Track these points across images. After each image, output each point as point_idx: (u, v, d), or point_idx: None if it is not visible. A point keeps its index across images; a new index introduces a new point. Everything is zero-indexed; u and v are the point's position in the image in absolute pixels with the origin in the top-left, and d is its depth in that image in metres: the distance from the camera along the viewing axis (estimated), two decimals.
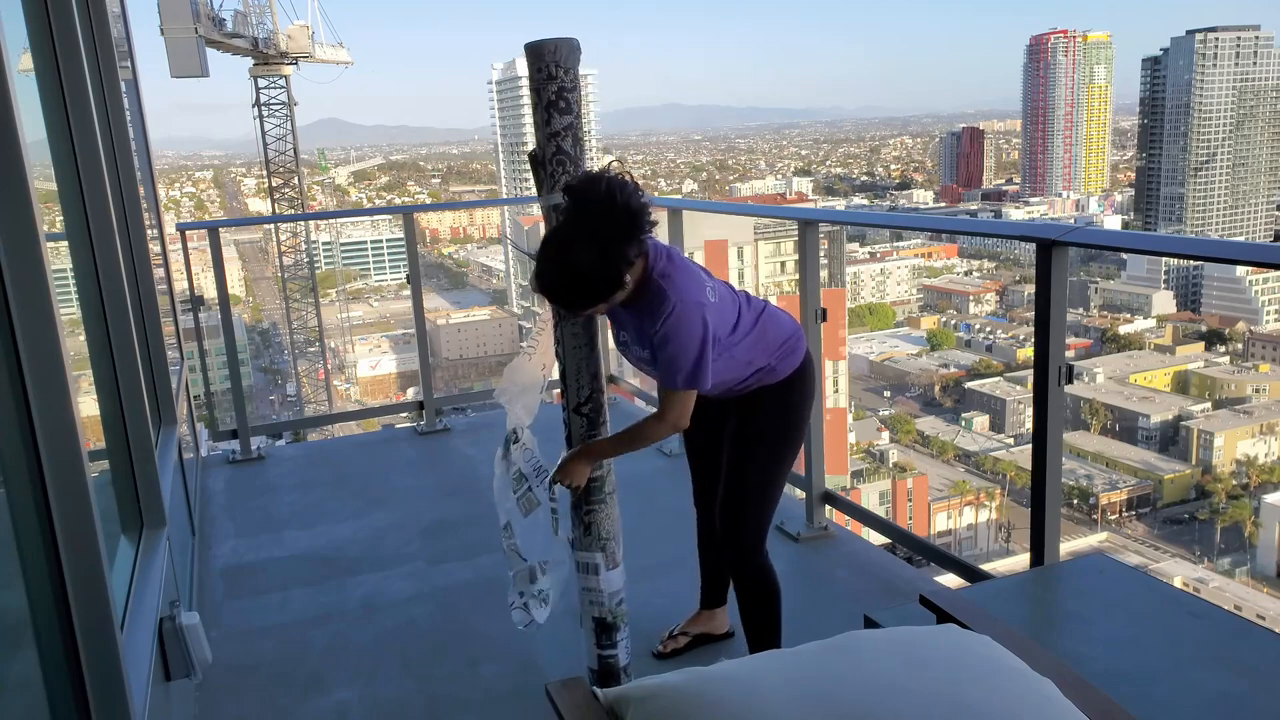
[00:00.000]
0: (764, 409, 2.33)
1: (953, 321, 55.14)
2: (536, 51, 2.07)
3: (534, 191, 2.24)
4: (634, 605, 3.04)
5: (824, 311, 3.41)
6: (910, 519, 33.92)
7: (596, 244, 1.96)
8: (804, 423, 2.39)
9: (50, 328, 1.44)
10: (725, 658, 1.42)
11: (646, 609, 3.06)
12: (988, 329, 52.31)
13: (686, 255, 2.26)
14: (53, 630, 1.46)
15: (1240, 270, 48.17)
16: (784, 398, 2.33)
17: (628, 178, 1.99)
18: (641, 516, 3.80)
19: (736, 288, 2.30)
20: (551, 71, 2.06)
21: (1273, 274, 46.35)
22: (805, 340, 2.37)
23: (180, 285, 4.75)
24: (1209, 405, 39.98)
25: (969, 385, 45.40)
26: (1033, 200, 78.96)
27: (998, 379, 45.06)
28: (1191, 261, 41.48)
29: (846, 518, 3.83)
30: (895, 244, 63.85)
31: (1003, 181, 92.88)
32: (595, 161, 2.20)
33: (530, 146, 2.23)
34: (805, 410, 2.38)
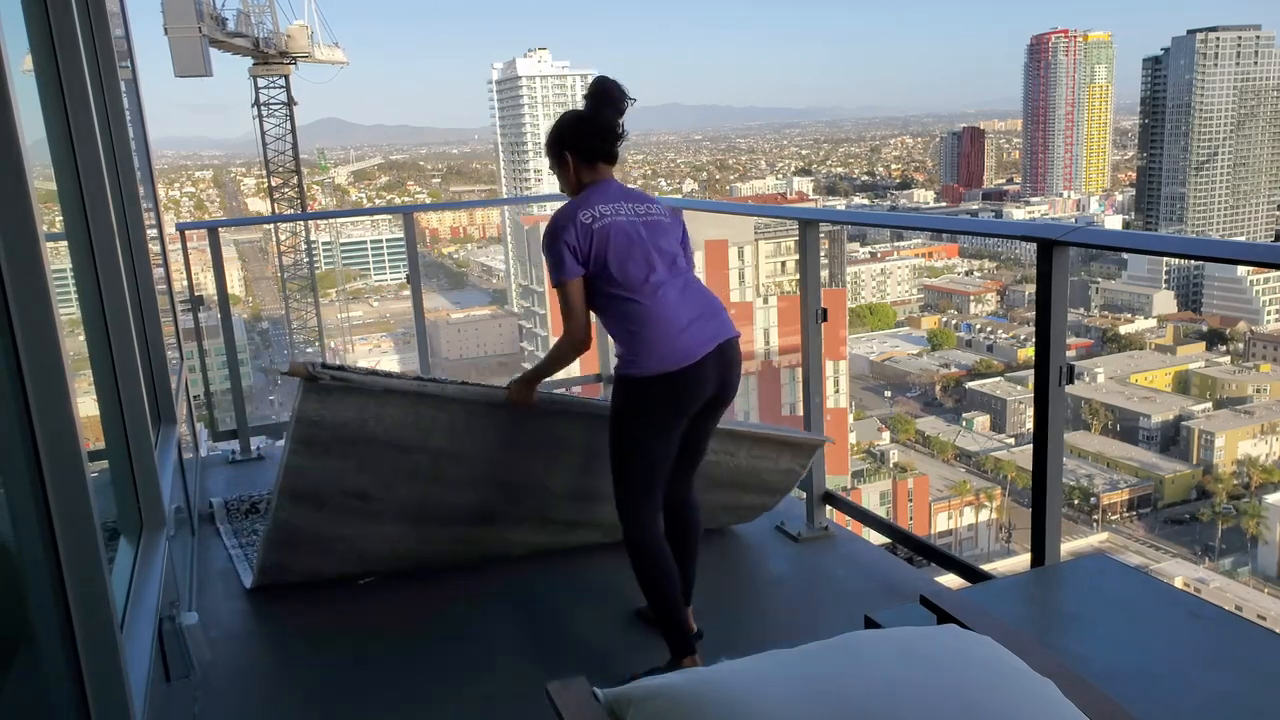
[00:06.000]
0: (612, 391, 2.57)
1: (953, 321, 55.12)
2: None
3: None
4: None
5: (824, 311, 3.41)
6: (911, 519, 33.91)
7: (567, 122, 2.61)
8: (634, 428, 2.51)
9: (50, 328, 1.44)
10: (725, 657, 1.42)
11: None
12: (988, 329, 52.29)
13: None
14: (53, 630, 1.46)
15: (1241, 270, 48.16)
16: (617, 392, 2.53)
17: (618, 124, 2.59)
18: None
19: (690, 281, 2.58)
20: None
21: (1274, 274, 46.33)
22: (663, 361, 2.44)
23: (180, 285, 4.75)
24: (1210, 405, 39.96)
25: (970, 385, 45.39)
26: (1033, 200, 78.93)
27: (998, 379, 45.05)
28: (1192, 261, 41.48)
29: (847, 518, 3.83)
30: (896, 244, 63.83)
31: (1003, 181, 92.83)
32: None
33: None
34: (636, 416, 2.51)
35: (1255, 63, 71.42)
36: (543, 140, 2.76)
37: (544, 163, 2.87)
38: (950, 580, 3.33)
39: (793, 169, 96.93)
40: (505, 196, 66.33)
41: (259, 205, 69.72)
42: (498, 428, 2.98)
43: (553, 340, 2.57)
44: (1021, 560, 4.53)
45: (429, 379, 2.99)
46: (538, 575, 3.31)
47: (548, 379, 2.82)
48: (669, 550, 2.55)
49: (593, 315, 2.55)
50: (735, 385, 2.60)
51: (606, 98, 2.57)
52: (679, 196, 60.18)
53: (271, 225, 47.37)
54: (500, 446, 3.02)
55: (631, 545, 2.53)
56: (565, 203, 2.58)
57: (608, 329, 2.56)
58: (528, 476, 3.13)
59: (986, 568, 3.10)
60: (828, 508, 3.62)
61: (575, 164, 2.58)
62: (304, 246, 43.09)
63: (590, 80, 2.64)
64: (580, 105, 2.63)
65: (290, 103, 37.35)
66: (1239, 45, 71.19)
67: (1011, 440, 40.40)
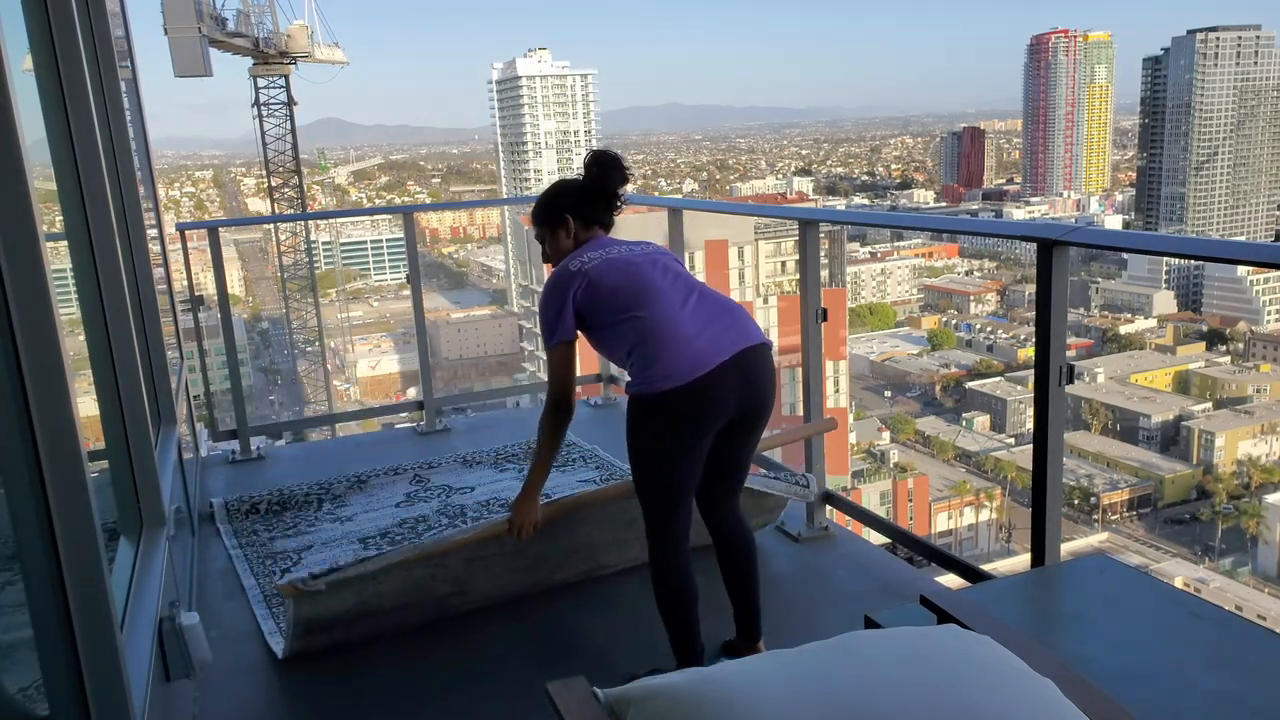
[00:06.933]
0: (626, 415, 2.40)
1: (953, 321, 55.15)
2: None
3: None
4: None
5: (824, 311, 3.41)
6: (911, 519, 33.94)
7: (568, 188, 2.58)
8: (651, 449, 2.36)
9: (50, 328, 1.44)
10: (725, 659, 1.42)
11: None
12: (988, 329, 52.32)
13: (685, 258, 2.54)
14: (53, 630, 1.46)
15: (1241, 270, 48.17)
16: (630, 413, 2.37)
17: (621, 191, 2.56)
18: None
19: (688, 296, 2.39)
20: None
21: (1274, 274, 46.35)
22: (674, 374, 2.26)
23: (180, 285, 4.75)
24: (1210, 405, 39.98)
25: (970, 385, 45.41)
26: (1033, 200, 78.96)
27: (998, 379, 45.07)
28: (1192, 261, 41.49)
29: (847, 518, 3.83)
30: (896, 244, 63.87)
31: (1003, 181, 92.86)
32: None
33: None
34: (651, 435, 2.35)
35: (1255, 63, 71.42)
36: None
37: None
38: (950, 580, 3.33)
39: (793, 169, 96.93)
40: (505, 196, 66.30)
41: (259, 205, 69.74)
42: (501, 562, 2.94)
43: None
44: (1021, 560, 4.54)
45: (423, 539, 2.91)
46: None
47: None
48: (693, 577, 2.44)
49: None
50: (765, 398, 2.40)
51: (610, 166, 2.52)
52: (679, 196, 60.20)
53: (271, 225, 47.43)
54: (507, 573, 2.99)
55: (655, 567, 2.42)
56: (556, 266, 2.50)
57: (618, 360, 2.42)
58: (538, 582, 3.11)
59: (986, 568, 3.10)
60: (828, 508, 3.62)
61: (575, 229, 2.52)
62: (304, 246, 43.11)
63: (590, 155, 2.57)
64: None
65: (290, 103, 37.39)
66: (1239, 45, 71.20)
67: (1011, 440, 40.42)
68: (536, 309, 2.45)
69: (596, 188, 2.53)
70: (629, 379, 2.36)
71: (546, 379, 2.47)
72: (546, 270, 2.57)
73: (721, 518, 2.56)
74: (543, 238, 2.58)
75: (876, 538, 3.88)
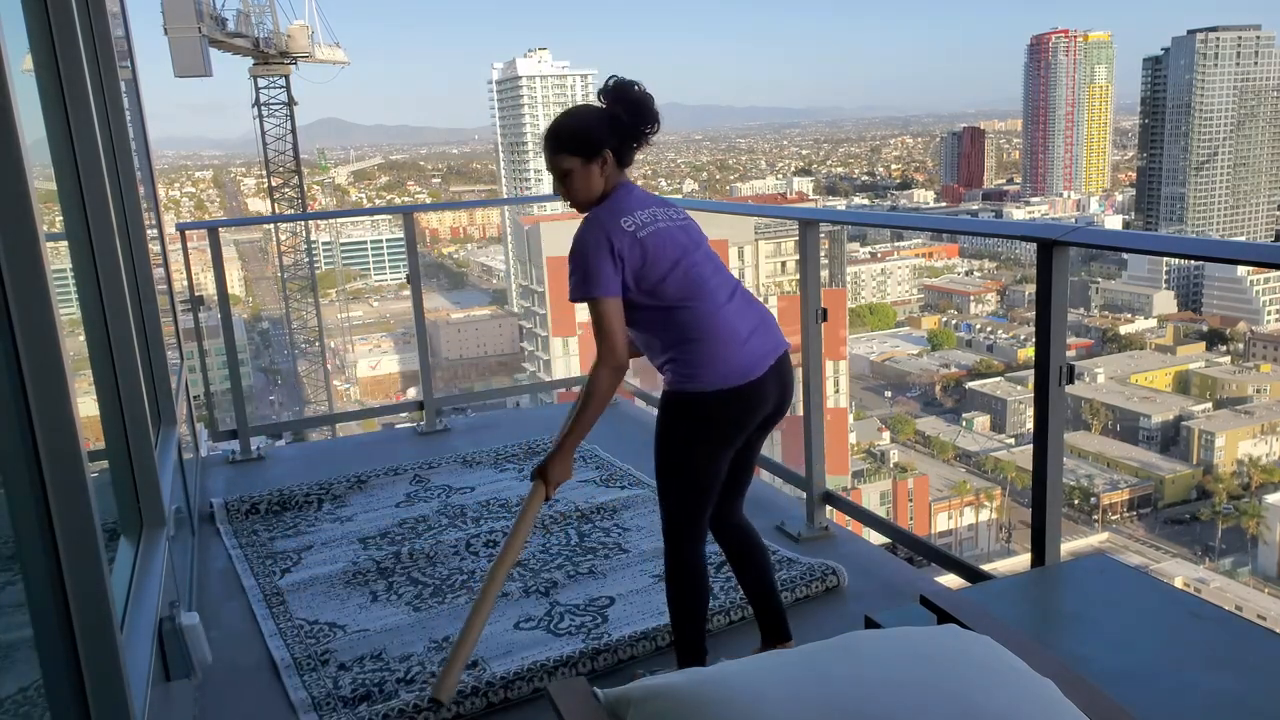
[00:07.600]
0: (661, 409, 2.32)
1: (953, 321, 55.17)
2: None
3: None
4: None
5: (824, 311, 3.41)
6: (911, 519, 33.91)
7: (602, 117, 2.25)
8: (690, 451, 2.29)
9: (50, 328, 1.44)
10: (725, 656, 1.43)
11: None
12: (988, 329, 52.34)
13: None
14: (53, 631, 1.46)
15: (1241, 270, 48.19)
16: (669, 411, 2.29)
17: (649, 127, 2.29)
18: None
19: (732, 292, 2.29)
20: None
21: (1274, 274, 46.36)
22: (727, 377, 2.19)
23: (180, 285, 4.75)
24: (1210, 405, 39.99)
25: (970, 385, 45.41)
26: (1034, 200, 78.99)
27: (998, 379, 45.08)
28: (1192, 261, 41.48)
29: (847, 518, 3.83)
30: (896, 244, 63.91)
31: (1004, 181, 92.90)
32: None
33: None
34: (691, 436, 2.27)
35: (1255, 63, 71.45)
36: (541, 143, 2.50)
37: (544, 163, 2.40)
38: (950, 580, 3.33)
39: (793, 169, 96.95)
40: (505, 196, 66.28)
41: (259, 205, 69.74)
42: None
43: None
44: (1021, 560, 4.54)
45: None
46: None
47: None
48: (708, 578, 2.42)
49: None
50: (789, 403, 2.39)
51: (642, 104, 2.24)
52: (679, 196, 60.07)
53: (271, 225, 47.38)
54: None
55: (673, 564, 2.36)
56: (594, 211, 2.23)
57: (652, 346, 2.28)
58: None
59: (986, 568, 3.10)
60: (828, 508, 3.62)
61: (611, 167, 2.25)
62: (304, 246, 43.10)
63: (612, 83, 2.27)
64: (579, 104, 2.47)
65: (290, 103, 37.36)
66: (1239, 45, 71.23)
67: (1011, 440, 40.42)
68: (573, 258, 2.17)
69: (630, 125, 2.25)
70: (669, 374, 2.26)
71: (596, 337, 2.19)
72: (565, 221, 2.40)
73: (733, 522, 2.52)
74: (570, 170, 2.23)
75: (876, 538, 3.88)
